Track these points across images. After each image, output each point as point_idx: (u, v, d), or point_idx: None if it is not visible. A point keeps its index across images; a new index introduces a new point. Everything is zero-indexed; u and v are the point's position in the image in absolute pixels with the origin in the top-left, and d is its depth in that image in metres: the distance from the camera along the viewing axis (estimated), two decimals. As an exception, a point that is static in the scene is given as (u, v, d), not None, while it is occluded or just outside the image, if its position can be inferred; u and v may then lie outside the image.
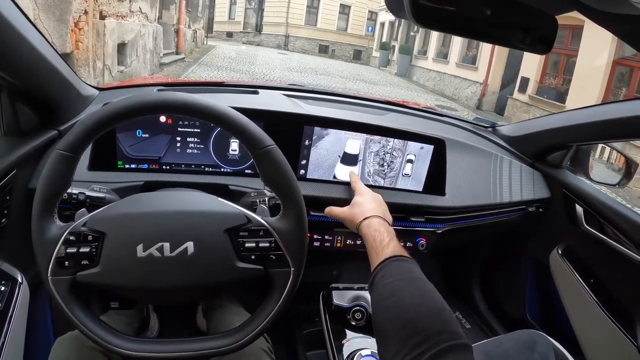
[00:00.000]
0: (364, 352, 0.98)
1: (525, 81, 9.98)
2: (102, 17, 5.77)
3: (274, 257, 0.74)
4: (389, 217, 0.95)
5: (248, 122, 0.71)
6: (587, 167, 1.50)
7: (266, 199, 0.91)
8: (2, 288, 0.90)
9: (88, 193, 0.86)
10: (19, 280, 0.96)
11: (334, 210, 1.01)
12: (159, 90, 1.32)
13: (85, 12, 5.13)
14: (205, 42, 16.71)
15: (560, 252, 1.47)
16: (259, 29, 26.06)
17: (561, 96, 8.87)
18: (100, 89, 1.30)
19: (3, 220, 0.93)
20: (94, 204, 0.84)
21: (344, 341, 1.04)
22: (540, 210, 1.50)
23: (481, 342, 1.10)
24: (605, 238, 1.30)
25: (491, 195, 1.41)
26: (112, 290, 0.76)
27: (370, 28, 25.33)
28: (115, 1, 6.24)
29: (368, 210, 0.92)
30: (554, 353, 1.00)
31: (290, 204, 0.74)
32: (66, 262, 0.69)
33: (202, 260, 0.71)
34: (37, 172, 1.05)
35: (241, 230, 0.73)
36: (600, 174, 1.50)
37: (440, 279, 2.03)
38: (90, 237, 0.69)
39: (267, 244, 0.73)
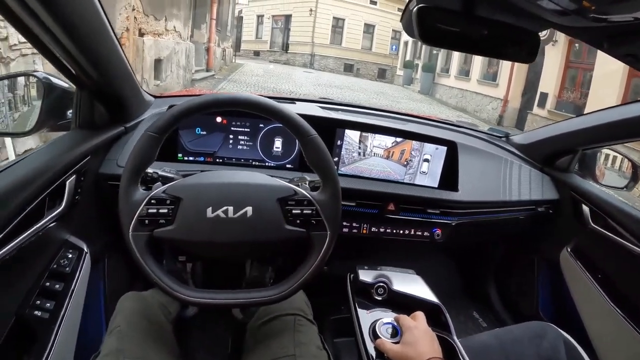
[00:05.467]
0: (385, 320, 1.04)
1: (544, 96, 10.02)
2: (141, 35, 6.18)
3: (314, 222, 0.87)
4: (439, 348, 0.91)
5: (297, 116, 0.86)
6: (594, 171, 1.58)
7: (306, 182, 1.02)
8: (70, 255, 1.05)
9: (160, 173, 0.98)
10: (85, 250, 1.11)
11: (384, 346, 0.94)
12: None
13: (127, 30, 5.53)
14: (233, 60, 17.05)
15: (569, 250, 1.54)
16: (285, 47, 26.21)
17: (579, 110, 8.86)
18: (155, 97, 1.47)
19: (77, 198, 1.06)
20: (164, 181, 0.95)
21: (368, 311, 1.13)
22: (550, 211, 1.59)
23: (494, 329, 1.19)
24: (612, 236, 1.36)
25: (500, 193, 1.51)
26: (183, 246, 0.89)
27: (394, 47, 25.22)
28: (152, 20, 6.63)
29: (425, 352, 0.87)
30: (563, 343, 1.05)
31: (329, 181, 0.88)
32: (146, 221, 0.81)
33: (258, 222, 0.84)
34: (106, 160, 1.22)
35: (289, 200, 0.86)
36: (608, 177, 1.58)
37: (457, 279, 2.11)
38: (168, 201, 0.83)
39: (310, 212, 0.86)
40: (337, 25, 25.22)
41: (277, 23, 26.85)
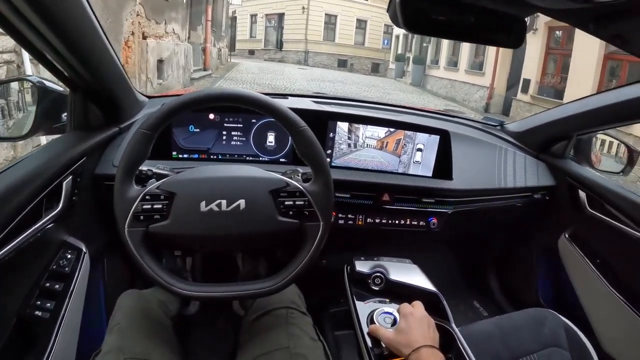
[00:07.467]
0: (385, 309, 1.05)
1: (527, 82, 10.40)
2: (145, 38, 6.63)
3: (307, 213, 0.86)
4: (436, 335, 0.90)
5: (287, 109, 0.85)
6: (590, 157, 1.56)
7: (299, 174, 0.99)
8: (69, 256, 1.03)
9: (155, 170, 0.96)
10: (84, 250, 1.09)
11: (379, 332, 0.95)
12: None
13: (133, 33, 6.00)
14: (229, 60, 17.17)
15: (567, 236, 1.52)
16: (279, 45, 26.26)
17: (559, 94, 9.27)
18: (149, 97, 1.46)
19: (74, 198, 1.04)
20: (159, 178, 0.93)
21: (365, 302, 1.13)
22: (547, 197, 1.56)
23: (494, 317, 1.19)
24: (609, 220, 1.35)
25: (495, 180, 1.49)
26: (178, 240, 0.88)
27: (386, 41, 25.31)
28: (154, 24, 7.09)
29: (416, 340, 0.85)
30: (563, 329, 1.04)
31: (320, 172, 0.87)
32: (141, 217, 0.81)
33: (251, 215, 0.84)
34: (101, 161, 1.21)
35: (281, 192, 0.85)
36: (604, 163, 1.57)
37: (457, 269, 2.08)
38: (162, 197, 0.82)
39: (302, 203, 0.85)
40: (330, 21, 25.17)
41: (270, 22, 26.75)
